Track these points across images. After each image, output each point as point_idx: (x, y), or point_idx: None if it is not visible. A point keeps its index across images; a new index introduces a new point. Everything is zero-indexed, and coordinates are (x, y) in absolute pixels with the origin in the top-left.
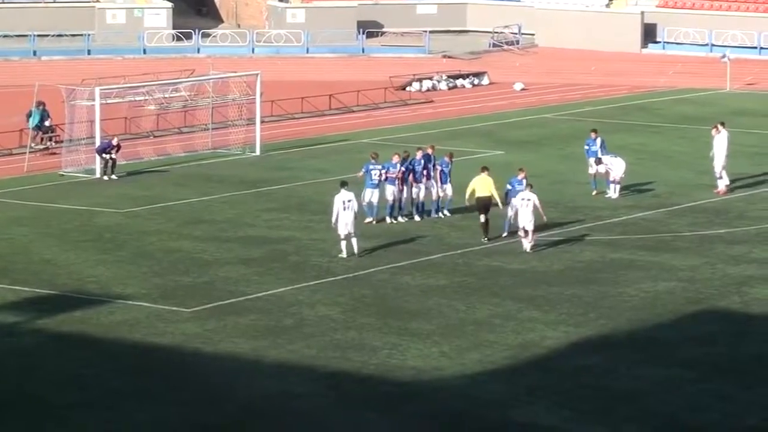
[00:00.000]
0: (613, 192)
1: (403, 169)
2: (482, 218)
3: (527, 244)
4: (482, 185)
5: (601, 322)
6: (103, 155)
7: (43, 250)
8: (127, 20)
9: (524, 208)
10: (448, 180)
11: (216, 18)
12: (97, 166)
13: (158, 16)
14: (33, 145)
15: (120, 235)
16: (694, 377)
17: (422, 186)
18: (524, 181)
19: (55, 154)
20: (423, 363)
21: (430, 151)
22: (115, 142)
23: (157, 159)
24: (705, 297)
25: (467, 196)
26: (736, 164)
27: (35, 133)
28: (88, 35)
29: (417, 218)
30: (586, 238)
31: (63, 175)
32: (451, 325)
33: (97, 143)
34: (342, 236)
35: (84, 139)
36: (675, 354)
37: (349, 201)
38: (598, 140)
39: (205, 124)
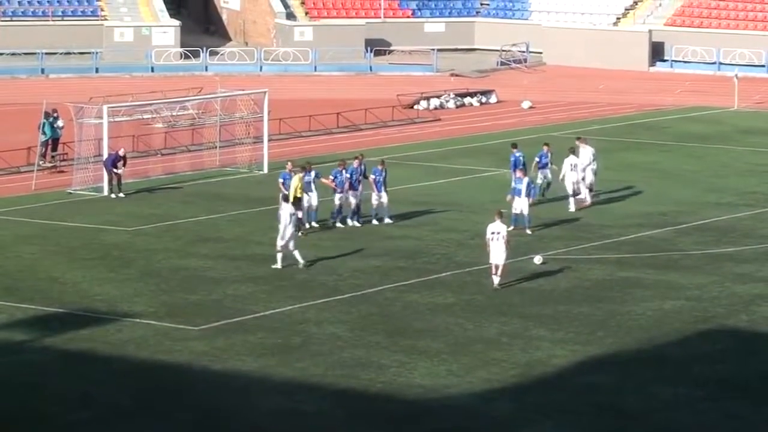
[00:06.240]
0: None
1: (332, 177)
2: None
3: (496, 279)
4: None
5: (609, 341)
6: (114, 170)
7: (51, 268)
8: (135, 38)
9: (494, 242)
10: (383, 188)
11: (224, 36)
12: (105, 183)
13: (166, 35)
14: (41, 163)
15: (127, 253)
16: (702, 395)
17: (358, 194)
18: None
19: (63, 172)
20: (431, 381)
21: (356, 164)
22: (122, 152)
23: (164, 177)
24: (713, 315)
25: None
26: (746, 182)
27: (44, 149)
28: (96, 53)
29: (357, 224)
30: (594, 256)
31: (71, 193)
32: (458, 344)
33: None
34: (278, 248)
35: (92, 157)
36: (683, 372)
37: (292, 215)
38: (550, 154)
39: (213, 142)
